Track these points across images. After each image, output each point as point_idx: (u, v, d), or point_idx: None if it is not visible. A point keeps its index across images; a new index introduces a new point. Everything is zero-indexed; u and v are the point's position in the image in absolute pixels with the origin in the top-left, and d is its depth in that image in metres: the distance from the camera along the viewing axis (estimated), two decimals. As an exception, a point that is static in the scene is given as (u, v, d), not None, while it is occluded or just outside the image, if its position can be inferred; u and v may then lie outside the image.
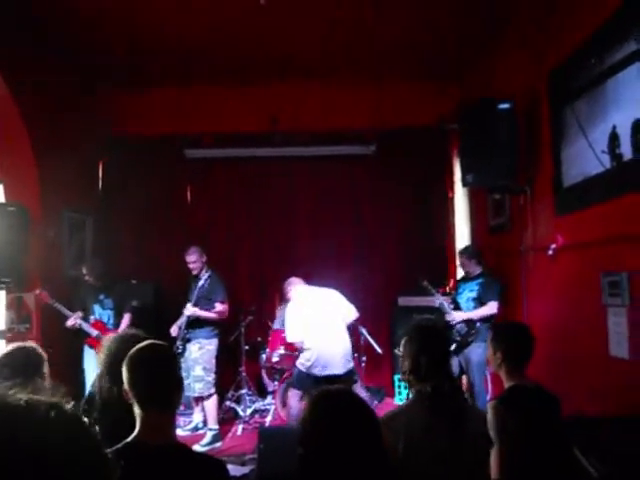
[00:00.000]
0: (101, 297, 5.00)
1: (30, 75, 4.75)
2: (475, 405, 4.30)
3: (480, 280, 4.77)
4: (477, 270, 4.84)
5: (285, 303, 6.34)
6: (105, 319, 4.97)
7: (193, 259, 5.09)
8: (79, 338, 4.92)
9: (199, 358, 4.98)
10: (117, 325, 4.94)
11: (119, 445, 1.58)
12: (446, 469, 1.97)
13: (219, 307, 5.06)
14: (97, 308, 4.98)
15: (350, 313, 4.68)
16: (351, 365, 4.60)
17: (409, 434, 1.99)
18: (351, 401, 1.58)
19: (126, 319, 5.00)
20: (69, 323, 4.76)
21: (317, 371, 4.44)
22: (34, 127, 4.77)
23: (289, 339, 4.68)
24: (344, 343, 4.56)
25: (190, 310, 4.98)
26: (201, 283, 5.01)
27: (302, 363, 4.54)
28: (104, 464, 0.87)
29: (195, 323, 5.05)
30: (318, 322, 4.56)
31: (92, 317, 4.92)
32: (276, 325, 6.11)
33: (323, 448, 1.47)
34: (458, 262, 5.10)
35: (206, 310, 5.03)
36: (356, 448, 1.46)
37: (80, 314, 4.82)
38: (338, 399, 1.59)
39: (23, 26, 4.49)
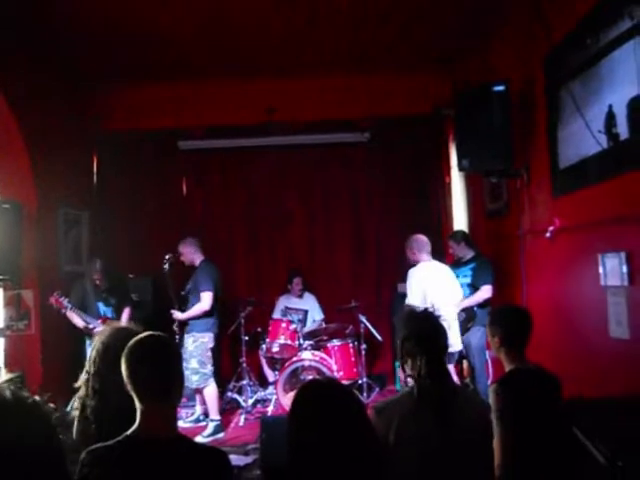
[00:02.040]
0: (104, 294, 5.10)
1: (21, 72, 4.70)
2: (475, 389, 4.32)
3: (472, 265, 4.76)
4: (469, 254, 4.83)
5: (287, 293, 6.36)
6: (109, 314, 5.07)
7: (180, 251, 5.18)
8: (81, 332, 4.95)
9: (194, 351, 4.98)
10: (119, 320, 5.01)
11: (119, 438, 1.57)
12: (434, 456, 1.98)
13: (201, 301, 5.00)
14: (101, 305, 5.09)
15: None
16: None
17: (399, 423, 2.01)
18: (334, 391, 1.59)
19: (126, 313, 5.14)
20: (81, 325, 4.84)
21: None
22: (26, 123, 4.73)
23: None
24: None
25: (178, 315, 5.06)
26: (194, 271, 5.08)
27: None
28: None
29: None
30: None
31: (97, 314, 5.01)
32: (276, 314, 6.12)
33: (308, 438, 1.49)
34: (450, 249, 5.03)
35: (195, 303, 5.04)
36: (340, 437, 1.48)
37: (99, 322, 4.93)
38: (320, 389, 1.61)
39: (13, 24, 4.42)
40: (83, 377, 1.94)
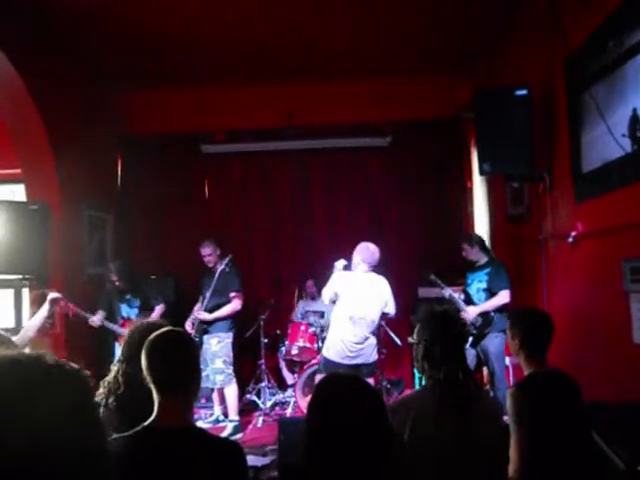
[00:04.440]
0: (127, 296, 5.15)
1: (49, 75, 4.82)
2: (495, 396, 4.27)
3: (488, 269, 4.68)
4: (483, 258, 4.76)
5: (305, 298, 6.38)
6: (133, 317, 5.11)
7: (208, 252, 5.14)
8: (109, 334, 5.01)
9: (219, 351, 5.02)
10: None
11: (137, 428, 1.62)
12: (451, 458, 1.97)
13: (232, 303, 5.07)
14: (124, 307, 5.14)
15: (390, 310, 4.44)
16: (371, 359, 4.42)
17: (416, 422, 2.00)
18: (355, 386, 1.60)
19: (158, 309, 5.14)
20: (94, 323, 4.84)
21: (338, 358, 4.29)
22: (53, 126, 4.85)
23: (323, 295, 4.45)
24: (370, 338, 4.38)
25: (202, 315, 5.03)
26: (217, 275, 5.00)
27: (326, 349, 4.43)
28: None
29: None
30: (345, 313, 4.34)
31: (120, 317, 5.07)
32: (296, 316, 6.16)
33: (326, 431, 1.50)
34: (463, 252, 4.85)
35: (222, 304, 5.08)
36: (358, 432, 1.49)
37: (102, 313, 4.95)
38: (342, 383, 1.62)
39: (41, 27, 4.56)
40: (114, 368, 2.01)
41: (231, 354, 5.10)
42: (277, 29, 4.83)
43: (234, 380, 5.10)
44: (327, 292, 4.42)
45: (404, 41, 5.16)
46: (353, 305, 4.32)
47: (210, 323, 5.10)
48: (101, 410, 1.96)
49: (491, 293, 4.59)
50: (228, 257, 5.06)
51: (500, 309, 4.50)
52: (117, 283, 5.09)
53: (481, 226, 5.97)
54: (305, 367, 5.38)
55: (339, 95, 5.98)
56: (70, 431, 0.81)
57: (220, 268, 4.99)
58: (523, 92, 4.18)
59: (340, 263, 4.52)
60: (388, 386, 5.79)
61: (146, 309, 5.16)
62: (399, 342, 5.83)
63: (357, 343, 4.30)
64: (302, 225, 6.75)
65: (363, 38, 5.07)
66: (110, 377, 2.01)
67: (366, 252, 4.46)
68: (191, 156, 6.58)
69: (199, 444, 1.64)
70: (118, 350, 5.10)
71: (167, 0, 4.28)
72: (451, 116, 5.79)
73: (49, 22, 4.50)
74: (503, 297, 4.51)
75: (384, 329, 5.76)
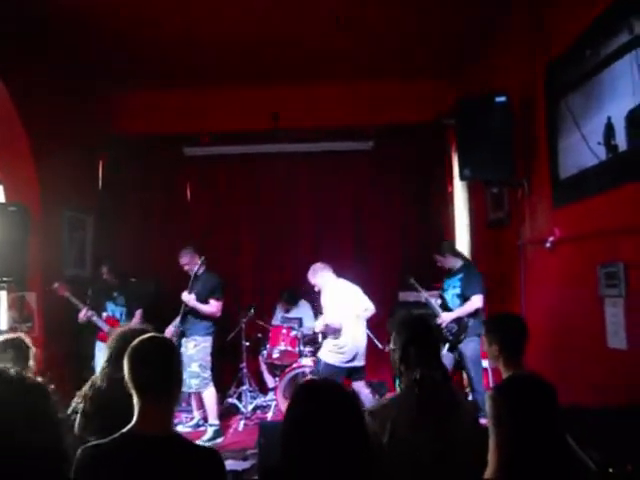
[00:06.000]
0: (115, 294, 5.24)
1: (29, 75, 4.75)
2: (474, 399, 4.32)
3: (461, 275, 4.71)
4: (457, 263, 4.79)
5: (285, 302, 6.36)
6: (118, 315, 5.17)
7: (185, 261, 5.14)
8: (91, 334, 5.04)
9: (194, 355, 4.98)
10: (129, 321, 5.11)
11: (115, 435, 1.61)
12: (431, 460, 2.00)
13: (212, 305, 5.06)
14: (110, 305, 5.21)
15: (370, 310, 4.90)
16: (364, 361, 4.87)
17: (395, 425, 2.02)
18: (333, 391, 1.63)
19: (137, 315, 5.21)
20: (80, 316, 4.92)
21: (345, 362, 4.69)
22: (33, 127, 4.79)
23: (328, 320, 4.76)
24: (365, 337, 4.89)
25: (186, 297, 4.99)
26: (192, 279, 5.04)
27: (329, 354, 4.73)
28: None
29: (191, 319, 5.07)
30: (352, 314, 4.77)
31: (105, 313, 5.11)
32: (275, 321, 6.14)
33: (303, 436, 1.52)
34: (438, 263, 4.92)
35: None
36: (335, 437, 1.51)
37: (89, 310, 4.98)
38: (319, 386, 1.65)
39: (21, 24, 4.49)
40: (96, 375, 2.00)
41: (208, 358, 5.05)
42: (262, 33, 4.83)
43: (211, 384, 5.06)
44: (335, 317, 4.73)
45: (388, 45, 5.20)
46: (353, 303, 4.82)
47: (188, 325, 5.07)
48: (77, 416, 1.94)
49: (465, 298, 4.61)
50: (203, 269, 5.13)
51: (474, 314, 4.54)
52: (106, 277, 5.20)
53: (462, 230, 6.03)
54: (287, 370, 5.37)
55: (323, 99, 6.00)
56: (26, 436, 0.87)
57: (193, 272, 5.05)
58: (502, 99, 4.25)
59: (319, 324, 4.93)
60: (370, 389, 5.80)
61: (130, 310, 5.23)
62: (380, 345, 5.86)
63: (363, 340, 4.81)
64: (286, 228, 6.75)
65: (348, 42, 5.08)
66: (90, 384, 2.00)
67: (327, 267, 5.00)
68: (174, 158, 6.55)
69: (177, 451, 1.63)
70: (98, 350, 5.05)
71: (152, 3, 4.26)
72: (433, 121, 5.84)
73: (29, 21, 4.44)
74: (475, 302, 4.53)
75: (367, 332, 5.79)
